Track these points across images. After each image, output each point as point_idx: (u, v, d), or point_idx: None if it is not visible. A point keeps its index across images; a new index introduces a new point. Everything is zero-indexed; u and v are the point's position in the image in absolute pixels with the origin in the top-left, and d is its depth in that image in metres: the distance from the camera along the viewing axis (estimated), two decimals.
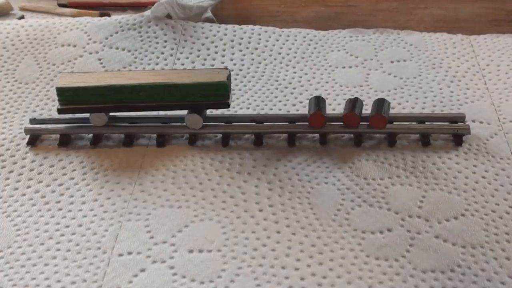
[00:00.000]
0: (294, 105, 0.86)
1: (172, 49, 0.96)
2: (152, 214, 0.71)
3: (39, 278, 0.64)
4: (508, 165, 0.76)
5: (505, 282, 0.63)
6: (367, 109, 0.81)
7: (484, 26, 1.04)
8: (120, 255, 0.67)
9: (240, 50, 0.96)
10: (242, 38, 0.98)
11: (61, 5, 1.10)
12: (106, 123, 0.80)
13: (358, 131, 0.80)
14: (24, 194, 0.74)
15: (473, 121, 0.83)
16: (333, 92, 0.88)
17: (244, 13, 1.09)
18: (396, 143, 0.79)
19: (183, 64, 0.93)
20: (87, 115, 0.80)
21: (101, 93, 0.78)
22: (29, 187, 0.75)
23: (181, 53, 0.95)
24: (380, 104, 0.80)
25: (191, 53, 0.95)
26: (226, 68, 0.81)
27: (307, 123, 0.80)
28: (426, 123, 0.81)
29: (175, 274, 0.65)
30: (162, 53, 0.95)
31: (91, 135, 0.81)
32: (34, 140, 0.81)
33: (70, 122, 0.81)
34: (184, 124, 0.80)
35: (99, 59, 0.94)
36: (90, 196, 0.73)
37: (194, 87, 0.78)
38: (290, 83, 0.90)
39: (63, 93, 0.78)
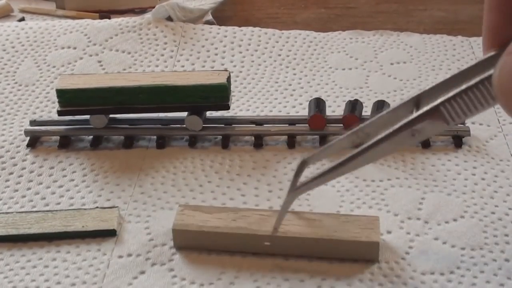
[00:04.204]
0: (294, 106, 0.86)
1: (172, 51, 0.96)
2: (152, 216, 0.71)
3: (39, 280, 0.64)
4: (507, 167, 0.76)
5: (504, 284, 0.63)
6: (367, 111, 0.81)
7: None
8: (120, 257, 0.67)
9: (240, 52, 0.96)
10: (242, 40, 0.98)
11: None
12: (106, 125, 0.80)
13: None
14: (24, 196, 0.74)
15: (473, 123, 0.83)
16: (333, 94, 0.88)
17: (244, 15, 1.10)
18: None
19: (183, 66, 0.93)
20: (87, 117, 0.80)
21: (101, 95, 0.78)
22: (29, 188, 0.75)
23: (181, 55, 0.95)
24: (380, 106, 0.80)
25: (191, 55, 0.95)
26: (226, 70, 0.81)
27: (307, 125, 0.80)
28: None
29: (174, 276, 0.65)
30: (162, 55, 0.95)
31: (91, 137, 0.81)
32: (34, 142, 0.81)
33: (70, 124, 0.81)
34: (184, 126, 0.80)
35: (99, 61, 0.94)
36: (90, 197, 0.73)
37: (194, 89, 0.78)
38: (290, 84, 0.90)
39: (63, 95, 0.78)
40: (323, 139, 0.80)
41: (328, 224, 0.65)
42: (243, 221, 0.66)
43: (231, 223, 0.66)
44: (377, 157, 0.58)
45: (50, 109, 0.86)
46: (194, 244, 0.66)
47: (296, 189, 0.63)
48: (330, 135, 0.80)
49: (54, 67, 0.93)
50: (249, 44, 0.97)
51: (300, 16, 1.09)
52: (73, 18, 1.06)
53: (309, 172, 0.76)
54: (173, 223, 0.67)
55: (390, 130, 0.55)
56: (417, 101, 0.55)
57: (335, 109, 0.85)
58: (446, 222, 0.70)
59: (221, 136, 0.81)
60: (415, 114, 0.54)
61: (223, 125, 0.81)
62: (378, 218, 0.66)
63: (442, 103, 0.52)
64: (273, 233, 0.64)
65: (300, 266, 0.65)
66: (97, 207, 0.71)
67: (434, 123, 0.53)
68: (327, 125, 0.80)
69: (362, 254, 0.64)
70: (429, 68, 0.93)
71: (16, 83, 0.91)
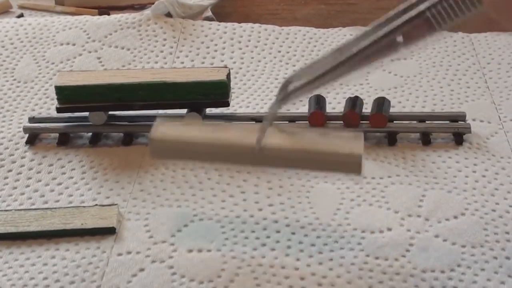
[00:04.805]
0: (293, 103, 0.86)
1: (172, 47, 0.95)
2: (151, 214, 0.71)
3: (37, 278, 0.64)
4: (508, 164, 0.76)
5: (505, 281, 0.63)
6: (367, 108, 0.81)
7: (485, 24, 1.03)
8: (119, 254, 0.66)
9: (240, 48, 0.96)
10: (241, 36, 0.98)
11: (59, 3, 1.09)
12: (105, 122, 0.80)
13: (358, 130, 0.79)
14: (23, 193, 0.74)
15: (474, 119, 0.82)
16: (333, 90, 0.88)
17: (244, 11, 1.09)
18: (396, 142, 0.79)
19: (182, 63, 0.93)
20: (86, 114, 0.80)
21: (100, 91, 0.78)
22: (28, 186, 0.74)
23: (181, 51, 0.95)
24: (380, 102, 0.80)
25: (190, 52, 0.95)
26: (225, 67, 0.80)
27: (307, 122, 0.80)
28: (427, 122, 0.81)
29: (174, 273, 0.64)
30: (162, 51, 0.95)
31: (90, 134, 0.80)
32: (33, 139, 0.80)
33: (69, 121, 0.81)
34: None
35: (98, 58, 0.94)
36: (89, 195, 0.73)
37: (193, 85, 0.77)
38: None
39: (62, 91, 0.78)
40: None
41: (311, 137, 0.64)
42: (224, 133, 0.64)
43: (211, 134, 0.64)
44: (362, 65, 0.56)
45: (49, 106, 0.86)
46: (172, 155, 0.65)
47: (278, 101, 0.61)
48: None
49: (53, 63, 0.93)
50: (249, 41, 0.97)
51: (300, 12, 1.08)
52: (72, 14, 1.06)
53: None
54: (151, 133, 0.65)
55: (376, 36, 0.54)
56: (404, 14, 0.54)
57: (335, 106, 0.85)
58: (447, 220, 0.69)
59: None
60: (401, 19, 0.53)
61: (223, 122, 0.81)
62: (362, 135, 0.64)
63: (428, 7, 0.52)
64: (256, 145, 0.62)
65: (301, 263, 0.65)
66: (96, 205, 0.71)
67: (421, 28, 0.52)
68: (327, 122, 0.80)
69: (344, 166, 0.62)
70: (430, 64, 0.92)
71: (15, 79, 0.91)
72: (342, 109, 0.81)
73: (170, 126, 0.65)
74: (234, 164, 0.64)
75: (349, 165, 0.62)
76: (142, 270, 0.65)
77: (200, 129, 0.65)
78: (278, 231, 0.69)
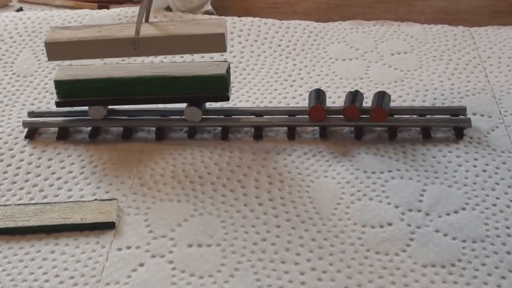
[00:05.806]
0: (294, 97, 0.86)
1: None
2: (151, 208, 0.70)
3: (37, 273, 0.64)
4: (509, 159, 0.76)
5: (506, 276, 0.63)
6: (367, 102, 0.81)
7: (486, 18, 1.03)
8: (119, 249, 0.66)
9: (240, 42, 0.95)
10: (241, 30, 0.97)
11: None
12: (105, 116, 0.80)
13: (359, 124, 0.79)
14: (22, 188, 0.73)
15: (474, 114, 0.82)
16: (333, 84, 0.88)
17: (244, 5, 1.09)
18: (397, 136, 0.79)
19: (182, 57, 0.93)
20: (85, 108, 0.79)
21: (100, 86, 0.77)
22: (27, 180, 0.74)
23: None
24: (381, 97, 0.79)
25: None
26: (225, 61, 0.80)
27: (307, 116, 0.79)
28: (427, 116, 0.80)
29: (174, 268, 0.64)
30: None
31: (89, 128, 0.80)
32: (32, 133, 0.80)
33: (68, 115, 0.81)
34: (183, 117, 0.79)
35: None
36: (89, 190, 0.73)
37: (193, 80, 0.77)
38: (290, 75, 0.90)
39: (61, 86, 0.78)
40: (323, 130, 0.79)
41: (181, 26, 0.76)
42: (108, 32, 0.75)
43: (97, 34, 0.75)
44: None
45: (48, 100, 0.86)
46: (66, 55, 0.76)
47: None
48: (330, 126, 0.80)
49: None
50: (249, 35, 0.97)
51: (300, 6, 1.08)
52: (72, 8, 1.05)
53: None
54: (45, 39, 0.75)
55: None
56: None
57: (335, 100, 0.85)
58: (447, 214, 0.69)
59: (220, 128, 0.80)
60: None
61: (222, 117, 0.81)
62: (225, 20, 0.76)
63: None
64: (135, 36, 0.73)
65: (301, 258, 0.65)
66: (95, 199, 0.71)
67: None
68: (327, 116, 0.79)
69: (211, 45, 0.75)
70: (430, 58, 0.92)
71: (14, 74, 0.91)
72: (342, 103, 0.81)
73: (61, 32, 0.76)
74: (118, 55, 0.76)
75: (215, 44, 0.74)
76: (142, 265, 0.65)
77: (87, 31, 0.76)
78: (278, 226, 0.68)
